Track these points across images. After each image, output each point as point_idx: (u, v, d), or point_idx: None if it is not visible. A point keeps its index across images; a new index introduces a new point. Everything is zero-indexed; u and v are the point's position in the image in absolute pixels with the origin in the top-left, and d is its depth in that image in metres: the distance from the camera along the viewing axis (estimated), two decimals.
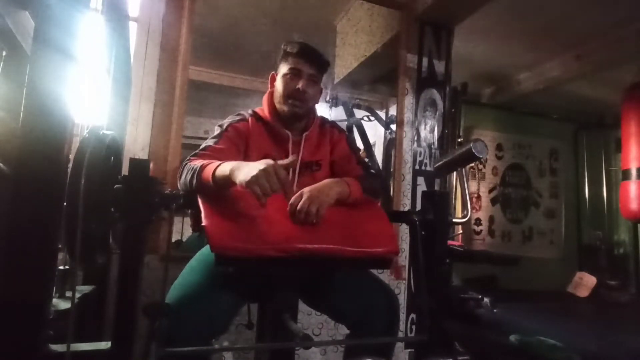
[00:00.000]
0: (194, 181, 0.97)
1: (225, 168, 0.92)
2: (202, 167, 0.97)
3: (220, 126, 1.18)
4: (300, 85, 1.16)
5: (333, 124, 1.31)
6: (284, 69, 1.20)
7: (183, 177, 1.02)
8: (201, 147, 1.12)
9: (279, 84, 1.20)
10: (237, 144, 1.15)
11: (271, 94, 1.24)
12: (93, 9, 1.32)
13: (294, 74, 1.18)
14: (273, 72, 1.25)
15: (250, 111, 1.23)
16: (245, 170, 0.87)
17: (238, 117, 1.21)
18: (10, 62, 1.28)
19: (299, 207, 0.96)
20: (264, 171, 0.85)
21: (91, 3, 1.18)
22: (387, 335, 1.14)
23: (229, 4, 2.70)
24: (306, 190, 1.00)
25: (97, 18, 1.38)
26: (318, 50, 1.22)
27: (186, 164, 1.04)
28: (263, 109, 1.23)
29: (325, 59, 1.23)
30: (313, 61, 1.19)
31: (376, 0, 2.47)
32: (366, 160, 1.28)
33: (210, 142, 1.13)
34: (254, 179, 0.84)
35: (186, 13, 1.92)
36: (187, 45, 1.90)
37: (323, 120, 1.30)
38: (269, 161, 0.88)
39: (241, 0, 2.73)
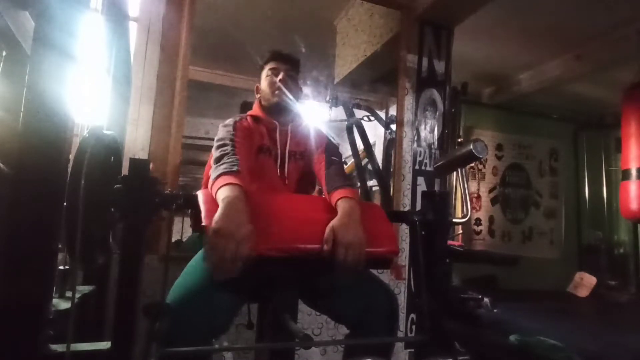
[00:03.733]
0: (215, 175, 1.00)
1: (219, 196, 0.92)
2: (223, 174, 0.98)
3: (226, 125, 1.26)
4: (280, 77, 1.34)
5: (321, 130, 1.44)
6: (264, 73, 1.40)
7: (221, 163, 1.04)
8: (226, 138, 1.17)
9: (263, 86, 1.38)
10: (246, 135, 1.26)
11: (259, 100, 1.40)
12: (93, 9, 1.32)
13: (273, 72, 1.36)
14: (257, 84, 1.43)
15: (245, 114, 1.37)
16: (223, 220, 0.83)
17: (239, 117, 1.32)
18: (10, 62, 1.28)
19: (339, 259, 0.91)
20: (227, 236, 0.80)
21: (91, 3, 1.18)
22: (386, 335, 1.14)
23: (229, 4, 2.70)
24: (340, 236, 0.93)
25: (97, 18, 1.38)
26: (290, 53, 1.43)
27: (227, 152, 1.09)
28: (255, 110, 1.39)
29: (296, 58, 1.44)
30: (286, 59, 1.40)
31: (376, 0, 2.47)
32: (337, 155, 1.35)
33: (229, 134, 1.20)
34: (215, 235, 0.81)
35: (186, 13, 1.92)
36: (187, 45, 1.91)
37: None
38: (246, 227, 0.83)
39: (241, 0, 2.73)
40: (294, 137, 1.35)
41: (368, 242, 0.99)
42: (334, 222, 0.96)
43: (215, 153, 1.12)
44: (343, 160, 1.39)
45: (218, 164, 1.05)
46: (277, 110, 1.34)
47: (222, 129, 1.24)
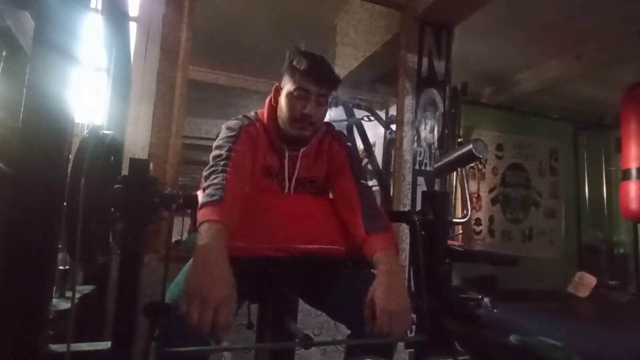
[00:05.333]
0: (200, 203, 0.88)
1: (201, 235, 0.80)
2: (202, 207, 0.86)
3: (230, 128, 1.08)
4: (307, 108, 1.05)
5: (335, 137, 1.20)
6: (289, 85, 1.07)
7: (208, 185, 0.91)
8: (223, 148, 1.00)
9: (283, 103, 1.09)
10: (251, 147, 1.08)
11: (271, 105, 1.14)
12: (93, 9, 1.32)
13: (300, 94, 1.05)
14: (277, 83, 1.14)
15: (253, 113, 1.16)
16: (198, 276, 0.73)
17: (247, 121, 1.11)
18: (10, 62, 1.28)
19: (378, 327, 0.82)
20: (201, 301, 0.70)
21: (91, 3, 1.18)
22: None
23: (229, 4, 2.70)
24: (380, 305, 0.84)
25: (97, 18, 1.38)
26: (329, 67, 1.11)
27: (217, 170, 0.93)
28: (264, 118, 1.15)
29: (337, 77, 1.11)
30: (323, 80, 1.07)
31: (376, 0, 2.47)
32: (364, 178, 1.14)
33: (229, 142, 1.02)
34: (188, 299, 0.72)
35: (186, 13, 1.92)
36: (187, 45, 1.90)
37: (327, 131, 1.19)
38: (227, 295, 0.73)
39: (241, 0, 2.73)
40: (305, 163, 1.15)
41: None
42: (375, 285, 0.86)
43: (210, 161, 0.98)
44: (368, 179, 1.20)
45: (206, 185, 0.91)
46: (291, 140, 1.12)
47: (224, 132, 1.07)
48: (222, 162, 0.95)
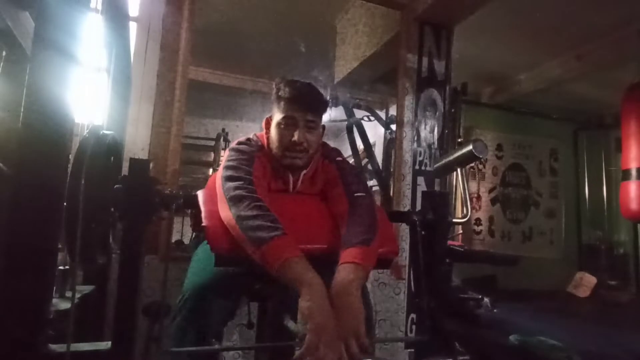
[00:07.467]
0: (256, 237, 0.85)
1: (302, 274, 0.81)
2: (272, 240, 0.83)
3: (242, 151, 1.07)
4: (296, 136, 1.06)
5: (327, 155, 1.19)
6: (277, 115, 1.09)
7: (247, 210, 0.88)
8: (241, 170, 0.99)
9: (273, 133, 1.11)
10: (263, 176, 1.08)
11: (268, 142, 1.14)
12: (93, 9, 1.32)
13: (288, 123, 1.07)
14: (268, 116, 1.15)
15: (254, 137, 1.16)
16: (322, 310, 0.77)
17: (255, 148, 1.11)
18: (10, 62, 1.29)
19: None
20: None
21: (91, 3, 1.18)
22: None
23: (229, 4, 2.70)
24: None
25: (97, 18, 1.38)
26: (315, 92, 1.11)
27: (246, 197, 0.91)
28: (265, 145, 1.15)
29: (323, 100, 1.13)
30: (309, 106, 1.08)
31: (376, 0, 2.47)
32: (357, 189, 1.09)
33: (246, 166, 1.02)
34: (318, 335, 0.74)
35: (186, 13, 1.92)
36: (187, 45, 1.90)
37: (322, 154, 1.20)
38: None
39: (241, 0, 2.73)
40: (307, 181, 1.16)
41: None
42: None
43: (226, 181, 0.96)
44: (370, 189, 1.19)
45: (244, 213, 0.87)
46: (288, 169, 1.12)
47: (236, 154, 1.05)
48: (250, 187, 0.94)
